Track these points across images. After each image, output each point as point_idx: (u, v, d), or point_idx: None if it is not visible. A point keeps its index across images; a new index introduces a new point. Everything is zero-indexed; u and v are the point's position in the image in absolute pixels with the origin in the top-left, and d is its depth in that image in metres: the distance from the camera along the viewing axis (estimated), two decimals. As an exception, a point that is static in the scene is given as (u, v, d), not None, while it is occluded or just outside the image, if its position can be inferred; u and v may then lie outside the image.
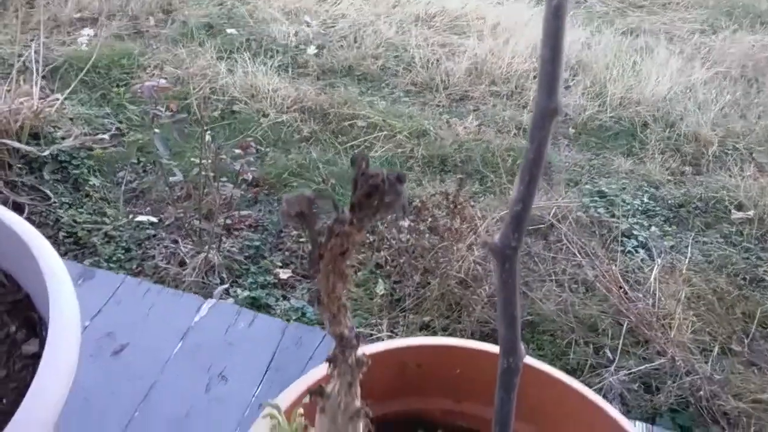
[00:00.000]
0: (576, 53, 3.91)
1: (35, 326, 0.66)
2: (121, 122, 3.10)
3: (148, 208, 2.73)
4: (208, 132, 2.95)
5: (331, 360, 0.43)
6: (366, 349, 0.67)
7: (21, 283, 0.71)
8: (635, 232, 2.95)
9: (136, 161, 2.94)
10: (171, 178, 2.74)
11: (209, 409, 0.95)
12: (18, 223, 0.70)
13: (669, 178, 3.46)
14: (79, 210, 2.62)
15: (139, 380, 0.98)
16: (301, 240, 2.65)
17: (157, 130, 2.43)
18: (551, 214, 2.80)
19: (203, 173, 2.58)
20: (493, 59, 3.73)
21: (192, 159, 2.68)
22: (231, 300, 2.10)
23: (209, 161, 2.65)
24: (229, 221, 2.69)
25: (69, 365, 0.57)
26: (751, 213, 3.18)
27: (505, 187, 3.05)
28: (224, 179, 2.67)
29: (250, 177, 2.89)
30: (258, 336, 1.04)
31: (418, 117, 3.39)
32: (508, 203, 2.96)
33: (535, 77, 3.72)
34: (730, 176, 3.42)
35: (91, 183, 2.76)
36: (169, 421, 0.93)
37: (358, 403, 0.44)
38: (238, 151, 2.74)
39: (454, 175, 3.05)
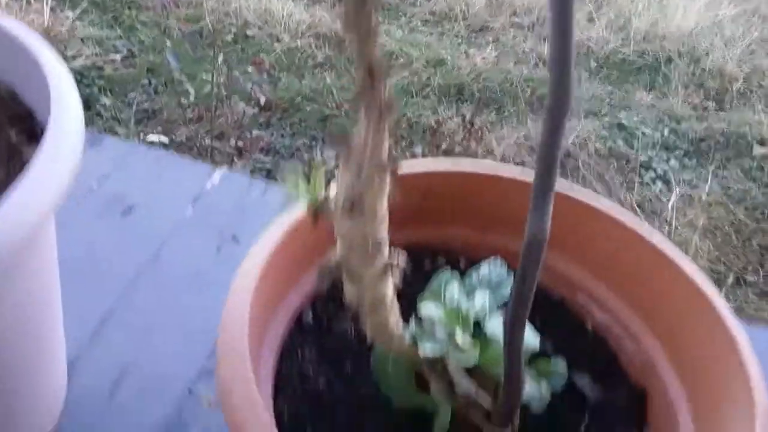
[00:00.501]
0: (600, -15, 3.79)
1: (37, 137, 0.62)
2: (132, 44, 3.05)
3: (160, 128, 2.68)
4: (221, 54, 2.89)
5: (357, 95, 0.39)
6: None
7: (25, 100, 0.67)
8: (654, 165, 2.89)
9: (147, 82, 2.89)
10: (183, 100, 2.69)
11: (221, 267, 0.92)
12: (24, 34, 0.65)
13: (691, 112, 3.37)
14: (89, 128, 2.59)
15: (147, 241, 0.95)
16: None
17: (169, 44, 2.39)
18: (569, 141, 2.74)
19: (215, 90, 2.53)
20: (514, -10, 3.63)
21: (204, 78, 2.63)
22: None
23: (222, 79, 2.59)
24: (240, 143, 2.64)
25: (72, 151, 0.53)
26: (773, 149, 3.10)
27: (523, 116, 2.98)
28: (237, 98, 2.62)
29: (263, 100, 2.83)
30: (272, 202, 1.01)
31: (436, 46, 3.31)
32: (525, 132, 2.87)
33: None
34: (754, 113, 3.34)
35: (102, 102, 2.72)
36: (176, 278, 0.91)
37: (386, 152, 0.40)
38: (250, 69, 2.69)
39: (470, 104, 2.99)
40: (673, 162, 2.87)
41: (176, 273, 0.91)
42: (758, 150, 3.13)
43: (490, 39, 3.42)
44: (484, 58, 3.24)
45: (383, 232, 0.44)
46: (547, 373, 0.55)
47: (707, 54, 3.55)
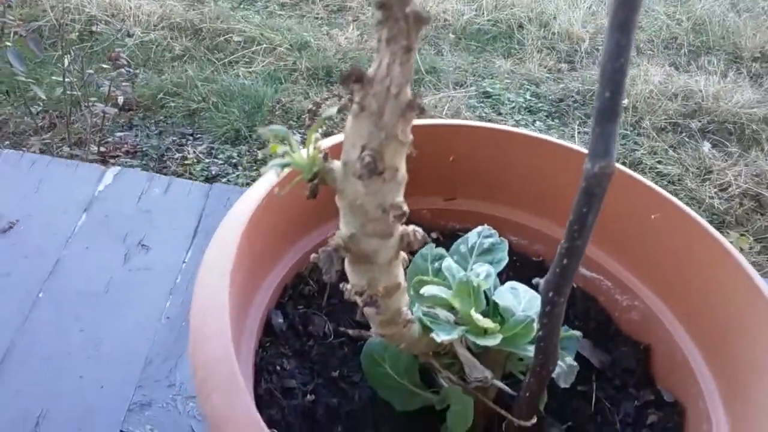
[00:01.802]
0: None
1: None
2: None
3: (7, 142, 2.40)
4: (66, 56, 2.63)
5: (378, 23, 0.31)
6: (335, 139, 0.55)
7: None
8: (522, 128, 2.97)
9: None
10: (32, 107, 2.43)
11: (132, 279, 0.79)
12: None
13: (547, 75, 3.49)
14: None
15: (38, 258, 0.80)
16: (186, 163, 2.44)
17: (9, 44, 2.12)
18: (443, 112, 2.75)
19: (68, 93, 2.30)
20: (368, -33, 3.58)
21: (55, 80, 2.38)
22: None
23: (74, 80, 2.36)
24: (103, 148, 2.42)
25: None
26: (625, 101, 3.28)
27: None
28: (94, 99, 2.39)
29: (122, 100, 2.61)
30: (178, 201, 0.89)
31: (297, 29, 3.21)
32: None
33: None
34: (603, 69, 3.50)
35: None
36: (83, 296, 0.77)
37: (409, 88, 0.32)
38: (105, 66, 2.46)
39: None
40: (538, 123, 2.96)
41: (79, 293, 0.78)
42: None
43: (350, 18, 3.36)
44: (347, 38, 3.17)
45: (401, 196, 0.36)
46: (564, 340, 0.50)
47: (554, 18, 3.70)
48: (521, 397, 0.47)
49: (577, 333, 0.50)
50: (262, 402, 0.48)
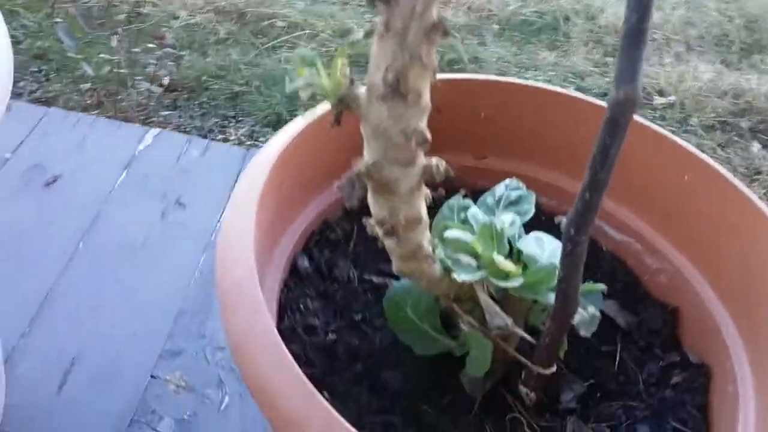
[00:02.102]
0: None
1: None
2: (15, 29, 2.78)
3: (56, 117, 2.46)
4: (114, 35, 2.68)
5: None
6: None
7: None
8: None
9: (37, 69, 2.65)
10: (81, 85, 2.49)
11: (168, 235, 0.81)
12: None
13: (593, 69, 3.44)
14: None
15: (79, 211, 0.83)
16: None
17: (60, 20, 2.18)
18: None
19: (116, 71, 2.35)
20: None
21: (103, 56, 2.43)
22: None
23: (122, 59, 2.41)
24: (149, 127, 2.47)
25: None
26: (672, 98, 3.21)
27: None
28: (139, 78, 2.44)
29: (167, 81, 2.66)
30: (215, 163, 0.91)
31: (340, 16, 3.22)
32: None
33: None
34: (650, 65, 3.44)
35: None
36: (121, 248, 0.79)
37: (435, 10, 0.33)
38: (152, 45, 2.51)
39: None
40: (583, 118, 2.93)
41: (117, 245, 0.80)
42: (658, 100, 3.23)
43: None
44: (392, 26, 3.17)
45: (425, 122, 0.36)
46: (587, 292, 0.50)
47: (602, 11, 3.64)
48: (541, 343, 0.47)
49: (602, 286, 0.50)
50: (284, 336, 0.48)
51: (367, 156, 0.38)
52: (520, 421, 0.50)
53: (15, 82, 2.11)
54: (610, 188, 0.59)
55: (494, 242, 0.47)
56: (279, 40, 3.01)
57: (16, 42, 2.85)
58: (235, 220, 0.44)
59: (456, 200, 0.53)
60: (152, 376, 0.71)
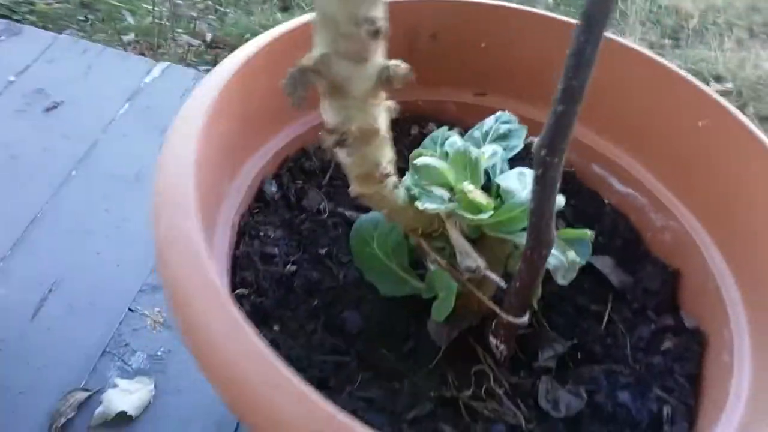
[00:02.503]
0: None
1: None
2: (65, -22, 2.81)
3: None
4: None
5: None
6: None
7: None
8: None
9: (83, 18, 2.67)
10: (123, 37, 2.50)
11: (164, 169, 0.78)
12: None
13: (649, 50, 3.31)
14: (7, 19, 2.38)
15: (77, 139, 0.81)
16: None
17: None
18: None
19: (157, 22, 2.35)
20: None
21: (146, 6, 2.44)
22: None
23: (164, 11, 2.41)
24: (188, 81, 2.46)
25: None
26: (729, 85, 3.08)
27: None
28: (180, 31, 2.44)
29: (210, 36, 2.65)
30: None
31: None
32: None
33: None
34: (709, 50, 3.30)
35: (33, 38, 2.50)
36: (114, 179, 0.77)
37: None
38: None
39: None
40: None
41: (111, 176, 0.78)
42: (714, 86, 3.09)
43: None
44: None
45: (380, 11, 0.32)
46: (572, 239, 0.45)
47: (664, -9, 3.50)
48: (511, 287, 0.42)
49: (588, 231, 0.45)
50: (237, 263, 0.45)
51: (316, 49, 0.34)
52: (486, 375, 0.45)
53: (61, 30, 2.14)
54: (615, 132, 0.54)
55: (468, 172, 0.42)
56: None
57: (62, -9, 2.86)
58: (175, 140, 0.40)
59: (440, 132, 0.49)
60: (130, 309, 0.68)
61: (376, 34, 0.32)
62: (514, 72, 0.56)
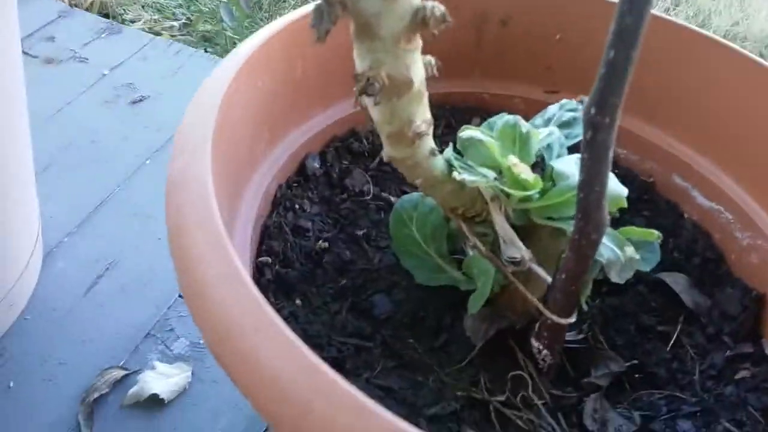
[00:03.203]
0: (680, -18, 3.59)
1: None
2: (191, 12, 2.98)
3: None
4: (273, 18, 2.79)
5: None
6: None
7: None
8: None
9: (203, 51, 2.82)
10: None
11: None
12: None
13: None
14: (109, 19, 2.52)
15: (156, 131, 0.82)
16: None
17: (224, 0, 2.29)
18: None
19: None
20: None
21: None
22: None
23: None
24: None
25: None
26: None
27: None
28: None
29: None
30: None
31: None
32: None
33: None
34: None
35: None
36: (185, 170, 0.77)
37: None
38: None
39: None
40: None
41: (183, 167, 0.78)
42: None
43: None
44: None
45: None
46: (636, 241, 0.39)
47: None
48: (557, 279, 0.37)
49: (655, 232, 0.40)
50: (267, 231, 0.43)
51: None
52: (525, 382, 0.40)
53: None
54: (701, 140, 0.48)
55: (517, 147, 0.38)
56: None
57: (190, 24, 3.05)
58: (202, 94, 0.39)
59: (498, 118, 0.45)
60: (180, 296, 0.67)
61: (408, -40, 0.29)
62: (590, 70, 0.51)
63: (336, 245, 0.44)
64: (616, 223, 0.45)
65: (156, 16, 3.07)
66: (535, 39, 0.51)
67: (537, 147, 0.39)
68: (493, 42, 0.51)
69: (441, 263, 0.42)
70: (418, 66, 0.34)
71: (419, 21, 0.32)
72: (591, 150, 0.31)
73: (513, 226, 0.40)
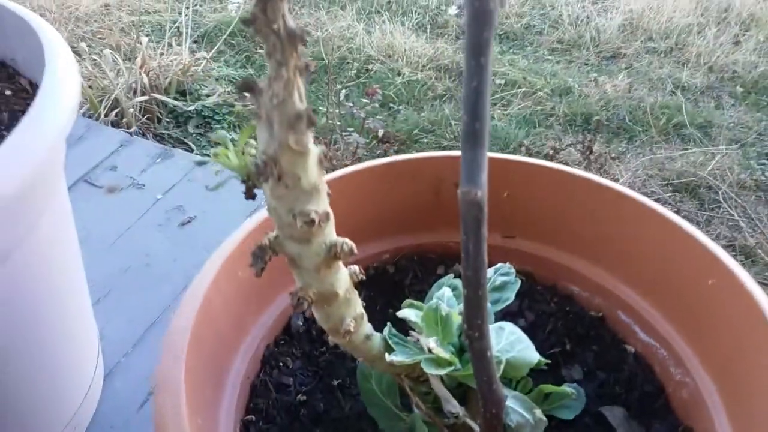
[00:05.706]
0: (749, 6, 3.51)
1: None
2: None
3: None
4: (343, 90, 2.96)
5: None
6: (396, 158, 0.58)
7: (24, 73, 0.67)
8: (809, 200, 2.57)
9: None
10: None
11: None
12: (25, 12, 0.65)
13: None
14: (162, 143, 2.71)
15: (202, 251, 0.94)
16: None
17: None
18: (707, 171, 2.51)
19: (330, 122, 2.57)
20: (650, 14, 3.44)
21: (320, 108, 2.69)
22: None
23: (335, 110, 2.63)
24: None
25: (69, 98, 0.50)
26: None
27: (655, 146, 2.77)
28: (351, 129, 2.64)
29: (381, 133, 2.84)
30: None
31: (562, 75, 3.19)
32: (656, 162, 2.64)
33: (699, 32, 3.38)
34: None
35: (230, 138, 2.85)
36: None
37: (301, 102, 0.35)
38: (364, 100, 2.71)
39: (598, 133, 2.83)
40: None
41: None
42: None
43: (623, 66, 3.24)
44: (614, 86, 3.06)
45: (315, 205, 0.38)
46: (554, 397, 0.46)
47: None
48: (480, 436, 0.44)
49: (569, 390, 0.46)
50: (255, 391, 0.52)
51: (274, 231, 0.40)
52: None
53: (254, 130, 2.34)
54: (640, 283, 0.54)
55: (438, 327, 0.46)
56: (494, 97, 3.06)
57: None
58: (198, 278, 0.48)
59: (447, 279, 0.53)
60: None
61: (311, 223, 0.38)
62: (538, 220, 0.59)
63: (314, 396, 0.53)
64: (567, 357, 0.51)
65: (229, 88, 3.29)
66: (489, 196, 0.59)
67: (457, 325, 0.46)
68: (451, 199, 0.59)
69: (398, 412, 0.50)
70: (341, 280, 0.42)
71: (332, 255, 0.40)
72: (473, 352, 0.39)
73: (447, 386, 0.48)
